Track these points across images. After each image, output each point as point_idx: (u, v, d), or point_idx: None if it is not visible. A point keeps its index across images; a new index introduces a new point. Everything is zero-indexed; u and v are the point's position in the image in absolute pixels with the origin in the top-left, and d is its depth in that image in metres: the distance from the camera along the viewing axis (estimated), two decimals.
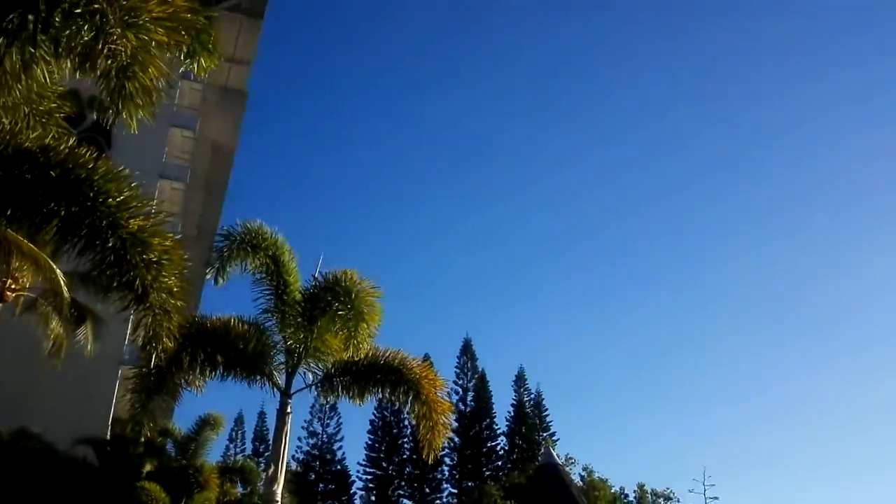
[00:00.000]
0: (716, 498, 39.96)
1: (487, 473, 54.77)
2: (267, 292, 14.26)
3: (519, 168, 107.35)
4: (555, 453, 28.29)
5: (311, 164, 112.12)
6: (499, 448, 58.36)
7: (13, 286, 19.90)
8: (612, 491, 43.53)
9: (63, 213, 7.50)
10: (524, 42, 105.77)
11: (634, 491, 46.38)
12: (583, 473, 44.95)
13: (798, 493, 75.63)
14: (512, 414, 58.81)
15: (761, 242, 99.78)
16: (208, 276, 14.17)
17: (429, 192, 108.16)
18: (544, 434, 56.69)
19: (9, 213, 7.65)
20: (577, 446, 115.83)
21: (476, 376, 59.45)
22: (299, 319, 14.13)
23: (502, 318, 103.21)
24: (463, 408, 57.59)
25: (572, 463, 44.39)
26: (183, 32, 6.83)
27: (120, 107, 6.68)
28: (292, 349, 14.32)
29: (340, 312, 13.78)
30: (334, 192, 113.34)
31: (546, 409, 58.79)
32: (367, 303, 14.02)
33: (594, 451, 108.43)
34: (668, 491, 46.49)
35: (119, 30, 6.26)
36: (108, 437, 21.30)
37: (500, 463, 57.33)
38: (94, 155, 8.01)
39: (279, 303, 14.28)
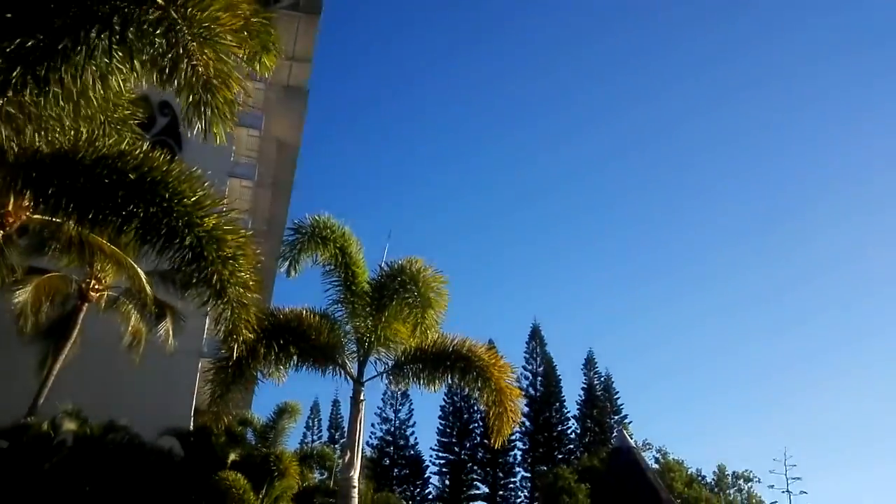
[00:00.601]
0: (798, 478, 38.78)
1: (560, 457, 54.61)
2: (336, 283, 14.55)
3: (586, 153, 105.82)
4: (629, 436, 27.87)
5: (374, 155, 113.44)
6: (570, 432, 58.14)
7: (97, 286, 21.01)
8: (689, 472, 42.73)
9: (142, 214, 7.86)
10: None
11: (714, 472, 45.41)
12: (657, 456, 44.29)
13: (884, 475, 72.61)
14: (583, 398, 58.45)
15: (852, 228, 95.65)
16: (280, 270, 14.54)
17: (494, 178, 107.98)
18: (616, 417, 56.10)
19: (91, 216, 8.05)
20: (650, 429, 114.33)
21: (545, 361, 59.22)
22: (368, 309, 14.37)
23: (570, 302, 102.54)
24: (533, 393, 57.52)
25: (648, 448, 43.79)
26: (251, 39, 7.01)
27: (202, 120, 6.93)
28: (363, 338, 14.58)
29: (407, 300, 13.92)
30: (398, 181, 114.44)
31: (617, 392, 58.20)
32: (433, 290, 14.13)
33: (669, 434, 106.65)
34: (748, 472, 45.32)
35: (195, 44, 6.48)
36: (192, 428, 22.16)
37: (572, 447, 57.09)
38: (168, 158, 8.35)
39: (348, 293, 14.55)
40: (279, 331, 13.60)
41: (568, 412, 58.42)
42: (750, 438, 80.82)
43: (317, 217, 14.49)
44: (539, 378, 58.63)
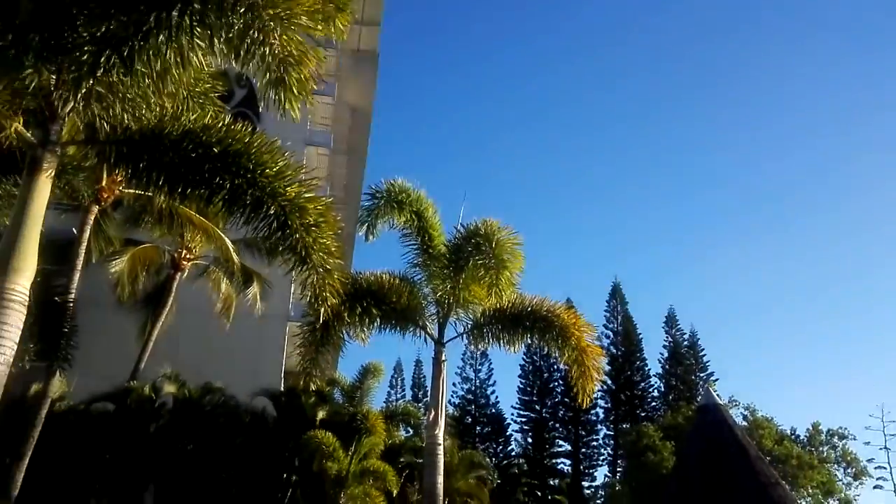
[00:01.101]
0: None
1: (643, 416, 54.15)
2: (413, 246, 14.73)
3: (668, 109, 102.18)
4: (715, 393, 27.25)
5: (447, 116, 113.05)
6: (652, 390, 57.49)
7: (188, 255, 22.01)
8: (779, 430, 41.56)
9: (228, 185, 8.13)
10: None
11: (807, 430, 43.99)
12: (745, 413, 43.25)
13: None
14: (666, 355, 57.54)
15: None
16: (359, 234, 14.83)
17: (570, 138, 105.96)
18: (701, 374, 55.02)
19: (180, 189, 8.38)
20: (738, 387, 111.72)
21: (626, 319, 58.51)
22: (445, 271, 14.50)
23: (651, 259, 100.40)
24: (614, 351, 57.05)
25: (735, 404, 42.74)
26: (325, 4, 7.06)
27: (279, 96, 7.10)
28: (442, 300, 14.77)
29: (482, 261, 13.95)
30: (471, 142, 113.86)
31: (703, 350, 56.92)
32: (508, 250, 14.10)
33: (757, 391, 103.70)
34: (843, 429, 43.68)
35: (272, 23, 6.60)
36: (282, 389, 23.13)
37: (655, 405, 56.51)
38: (250, 129, 8.57)
39: (425, 256, 14.72)
40: (362, 294, 13.94)
41: (650, 370, 57.80)
42: (845, 395, 77.73)
43: (392, 182, 14.64)
44: (620, 337, 58.06)
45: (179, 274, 21.82)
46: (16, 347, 6.80)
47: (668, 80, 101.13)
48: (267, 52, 6.78)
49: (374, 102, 37.21)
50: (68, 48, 7.06)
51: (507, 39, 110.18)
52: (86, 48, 6.99)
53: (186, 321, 23.15)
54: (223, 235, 19.83)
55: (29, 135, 7.17)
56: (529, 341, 15.63)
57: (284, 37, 6.71)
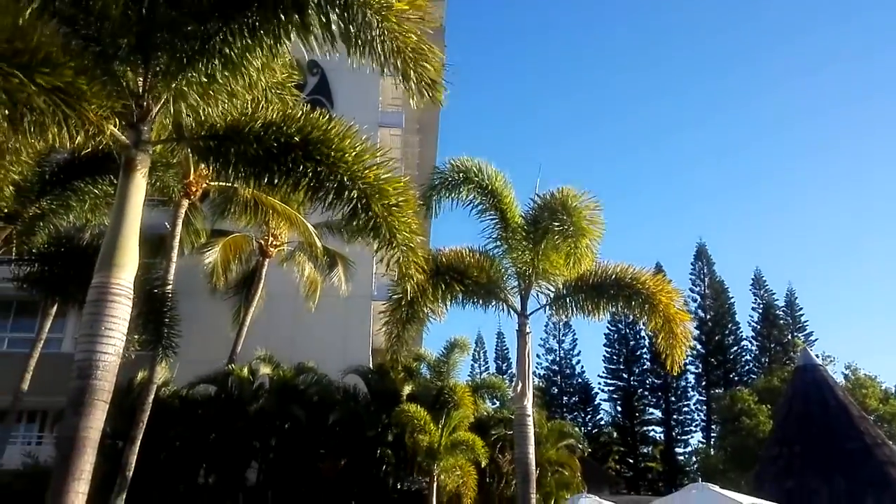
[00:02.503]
0: None
1: (736, 379, 52.61)
2: (490, 220, 14.65)
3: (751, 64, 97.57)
4: (812, 353, 26.16)
5: (516, 87, 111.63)
6: (745, 353, 55.67)
7: (274, 242, 22.79)
8: (884, 388, 39.57)
9: (310, 173, 8.32)
10: None
11: None
12: (846, 373, 41.38)
13: None
14: (758, 317, 55.46)
15: None
16: (430, 211, 14.83)
17: (647, 93, 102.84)
18: (797, 334, 52.79)
19: (266, 179, 8.64)
20: (837, 345, 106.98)
21: (713, 281, 56.69)
22: (524, 243, 14.37)
23: (736, 219, 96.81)
24: (703, 315, 55.45)
25: (832, 362, 40.97)
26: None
27: (416, 92, 7.30)
28: (522, 272, 14.67)
29: (561, 231, 13.72)
30: (543, 110, 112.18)
31: (800, 308, 54.54)
32: (586, 218, 13.81)
33: (858, 350, 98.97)
34: None
35: (381, 21, 6.73)
36: (371, 366, 23.70)
37: (748, 368, 54.79)
38: (327, 117, 8.72)
39: (503, 229, 14.62)
40: (444, 271, 14.05)
41: (742, 333, 55.90)
42: None
43: (460, 159, 14.57)
44: (708, 300, 56.34)
45: (267, 260, 22.64)
46: (124, 338, 7.22)
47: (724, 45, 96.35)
48: (390, 48, 6.98)
49: (443, 77, 37.04)
50: (156, 50, 7.35)
51: (571, 5, 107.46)
52: (173, 49, 7.27)
53: (276, 305, 24.02)
54: (305, 221, 20.38)
55: (123, 136, 7.53)
56: (614, 310, 15.40)
57: (406, 36, 6.85)
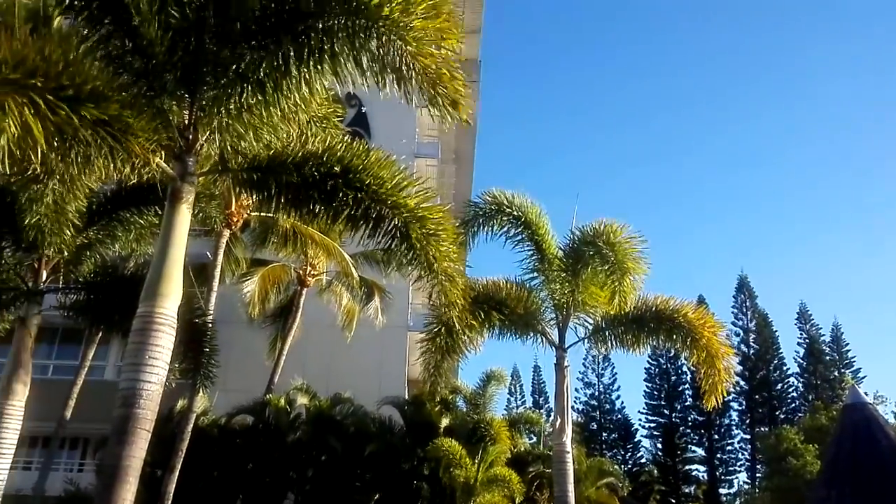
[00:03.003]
0: None
1: (781, 417, 50.92)
2: (527, 251, 14.56)
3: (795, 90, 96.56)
4: (861, 391, 25.21)
5: (552, 122, 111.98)
6: (791, 390, 53.93)
7: (312, 272, 22.99)
8: None
9: (351, 202, 8.38)
10: None
11: None
12: None
13: None
14: (803, 352, 53.81)
15: None
16: (467, 242, 14.78)
17: (689, 129, 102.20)
18: (845, 371, 51.02)
19: (307, 210, 8.73)
20: (887, 384, 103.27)
21: (756, 315, 55.26)
22: (563, 275, 14.24)
23: (780, 250, 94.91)
24: (745, 350, 53.99)
25: (883, 401, 39.44)
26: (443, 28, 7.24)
27: (438, 111, 7.36)
28: (560, 305, 14.51)
29: (603, 265, 13.58)
30: (579, 144, 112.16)
31: (847, 344, 52.78)
32: (630, 253, 13.63)
33: None
34: None
35: (403, 42, 6.82)
36: (407, 397, 23.56)
37: (794, 406, 53.02)
38: (366, 147, 8.81)
39: (540, 261, 14.52)
40: (482, 301, 13.94)
41: (788, 369, 54.24)
42: None
43: (495, 191, 14.57)
44: (751, 334, 54.89)
45: (305, 290, 22.82)
46: (167, 368, 7.28)
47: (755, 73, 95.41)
48: (413, 73, 7.05)
49: (479, 109, 37.37)
50: (200, 85, 7.54)
51: (607, 42, 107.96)
52: (218, 82, 7.45)
53: (313, 334, 24.14)
54: (343, 251, 20.53)
55: (169, 168, 7.69)
56: (654, 343, 15.12)
57: (427, 58, 6.92)
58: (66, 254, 11.39)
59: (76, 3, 7.20)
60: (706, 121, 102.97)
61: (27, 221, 10.23)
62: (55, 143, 6.41)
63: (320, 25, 7.17)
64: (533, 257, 14.47)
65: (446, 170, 37.40)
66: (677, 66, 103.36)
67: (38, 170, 7.45)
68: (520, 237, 14.52)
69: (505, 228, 14.46)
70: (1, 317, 11.85)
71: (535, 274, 14.63)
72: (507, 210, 14.31)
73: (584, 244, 13.95)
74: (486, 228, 14.43)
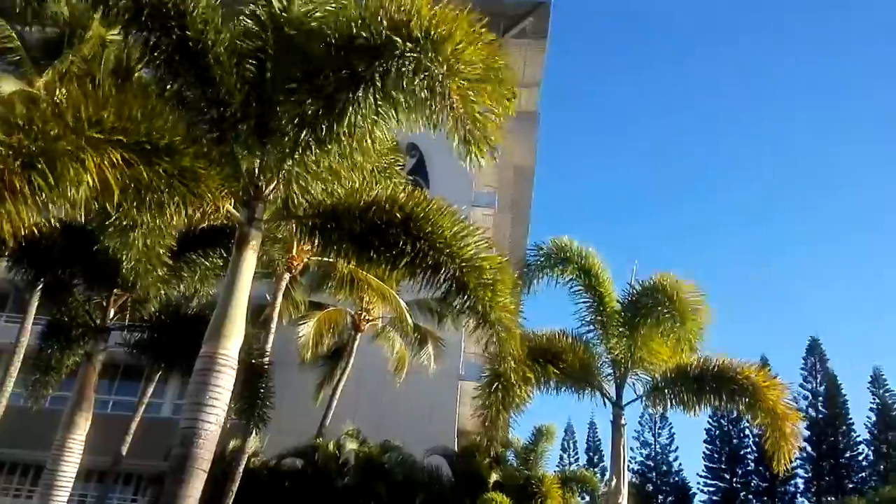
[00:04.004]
0: None
1: (850, 487, 48.05)
2: (584, 304, 14.32)
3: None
4: None
5: (609, 172, 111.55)
6: (861, 458, 50.97)
7: (367, 317, 23.17)
8: None
9: (410, 249, 8.46)
10: None
11: None
12: None
13: None
14: (874, 419, 50.93)
15: None
16: (527, 292, 14.64)
17: (754, 173, 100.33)
18: None
19: (367, 256, 8.84)
20: None
21: (827, 378, 52.77)
22: (621, 329, 13.93)
23: (853, 312, 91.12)
24: (814, 414, 51.44)
25: None
26: (495, 82, 7.35)
27: (470, 152, 7.38)
28: (618, 360, 14.15)
29: (664, 319, 13.26)
30: (637, 198, 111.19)
31: None
32: (692, 307, 13.28)
33: None
34: None
35: (449, 82, 6.94)
36: (456, 448, 23.21)
37: (863, 475, 50.03)
38: (427, 195, 8.92)
39: (598, 314, 14.24)
40: (538, 353, 13.72)
41: (857, 435, 51.38)
42: None
43: (558, 239, 14.44)
44: (820, 398, 52.34)
45: (359, 335, 22.97)
46: (226, 408, 7.38)
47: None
48: (451, 112, 7.09)
49: (536, 161, 37.59)
50: (271, 134, 7.83)
51: (662, 99, 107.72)
52: (286, 133, 7.72)
53: (365, 379, 24.19)
54: (398, 297, 20.65)
55: (237, 214, 7.93)
56: (716, 404, 14.56)
57: (461, 92, 6.99)
58: (134, 293, 11.78)
59: (159, 55, 7.60)
60: (776, 184, 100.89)
61: (102, 259, 10.65)
62: (130, 194, 6.68)
63: (375, 69, 7.33)
64: (592, 309, 14.21)
65: (502, 219, 37.51)
66: (745, 126, 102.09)
67: (113, 215, 7.76)
68: (582, 288, 14.31)
69: (569, 277, 14.27)
70: (70, 352, 12.27)
71: (593, 327, 14.36)
72: (575, 259, 14.15)
73: (644, 296, 13.65)
74: (549, 277, 14.28)
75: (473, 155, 7.33)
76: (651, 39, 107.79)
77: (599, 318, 14.22)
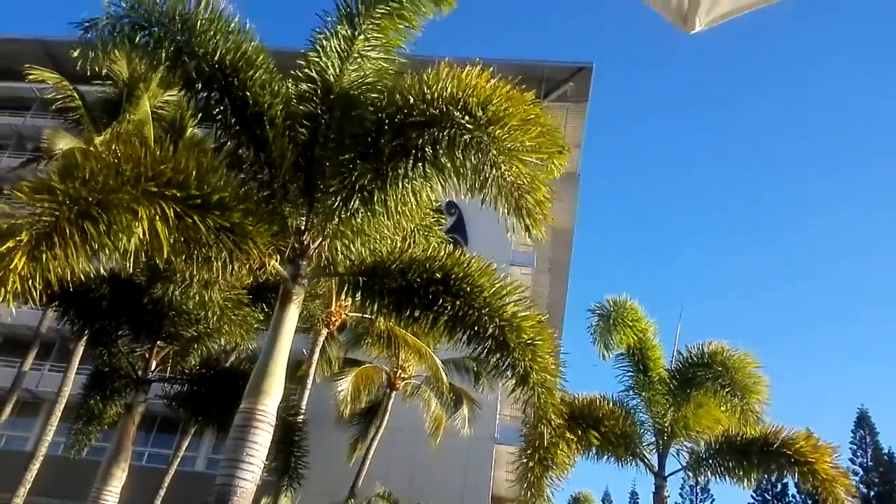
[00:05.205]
0: None
1: None
2: (630, 369, 14.01)
3: None
4: None
5: (648, 236, 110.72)
6: None
7: (402, 375, 22.99)
8: None
9: (450, 308, 8.42)
10: None
11: None
12: None
13: None
14: None
15: None
16: (599, 352, 14.32)
17: (792, 256, 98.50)
18: None
19: (407, 314, 8.82)
20: None
21: (877, 453, 50.30)
22: (667, 397, 13.57)
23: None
24: (865, 490, 48.87)
25: None
26: (546, 149, 7.42)
27: (519, 222, 7.44)
28: (662, 429, 13.73)
29: (717, 389, 12.86)
30: (674, 262, 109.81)
31: None
32: (749, 376, 12.86)
33: None
34: None
35: (503, 157, 7.06)
36: None
37: None
38: (467, 254, 8.94)
39: (644, 380, 13.91)
40: (577, 417, 13.38)
41: None
42: None
43: (616, 299, 14.21)
44: (872, 473, 49.79)
45: (394, 393, 22.77)
46: (262, 466, 7.32)
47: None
48: (501, 182, 7.16)
49: (576, 221, 37.55)
50: (319, 194, 7.99)
51: (702, 158, 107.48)
52: (333, 194, 7.88)
53: (398, 439, 23.83)
54: (434, 356, 20.51)
55: (282, 270, 8.04)
56: (763, 475, 13.96)
57: (514, 168, 7.07)
58: (176, 345, 11.93)
59: (215, 116, 7.87)
60: (821, 248, 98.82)
61: (147, 311, 10.86)
62: (178, 247, 6.84)
63: (425, 138, 7.49)
64: (638, 375, 13.88)
65: (541, 278, 37.33)
66: (787, 181, 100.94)
67: (162, 268, 7.92)
68: (630, 352, 14.02)
69: (623, 339, 13.97)
70: (112, 402, 12.39)
71: (637, 393, 14.00)
72: (630, 320, 13.88)
73: (695, 366, 13.27)
74: (607, 340, 14.00)
75: (527, 227, 7.36)
76: (689, 96, 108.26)
77: (646, 384, 13.87)
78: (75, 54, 7.58)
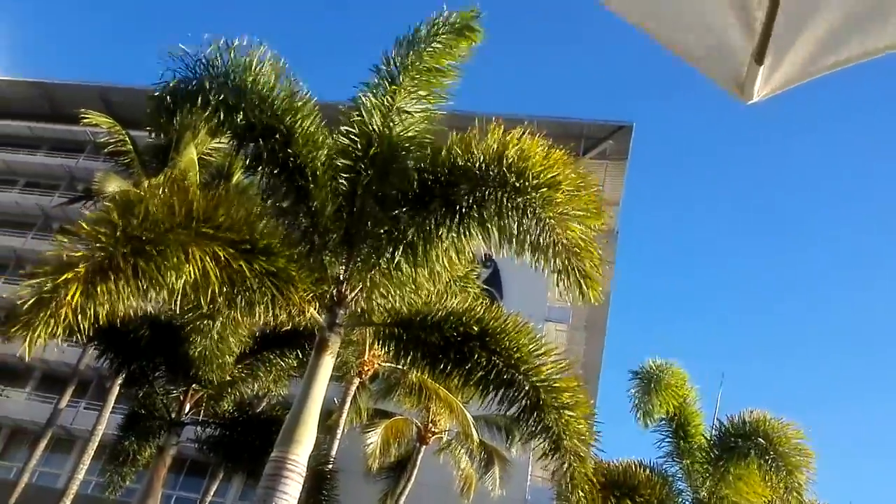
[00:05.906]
0: None
1: None
2: (669, 436, 13.60)
3: None
4: None
5: (687, 294, 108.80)
6: None
7: (433, 429, 22.62)
8: None
9: (485, 363, 8.30)
10: None
11: None
12: None
13: None
14: None
15: None
16: (639, 419, 13.94)
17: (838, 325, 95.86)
18: None
19: (441, 367, 8.72)
20: None
21: None
22: (706, 466, 13.09)
23: None
24: None
25: None
26: (594, 208, 7.45)
27: (572, 284, 7.44)
28: (700, 499, 13.21)
29: (763, 464, 12.37)
30: (714, 320, 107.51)
31: None
32: (793, 448, 12.34)
33: None
34: None
35: (553, 220, 7.12)
36: None
37: None
38: (504, 311, 8.86)
39: (683, 447, 13.47)
40: (611, 485, 12.96)
41: None
42: None
43: (659, 362, 13.91)
44: None
45: (424, 447, 22.38)
46: None
47: None
48: (555, 246, 7.22)
49: (614, 277, 37.14)
50: (359, 244, 8.08)
51: (741, 214, 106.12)
52: (373, 242, 7.96)
53: (425, 495, 23.29)
54: (465, 411, 20.18)
55: (320, 318, 8.08)
56: None
57: (565, 230, 7.11)
58: (210, 389, 12.00)
59: (261, 166, 8.09)
60: (859, 304, 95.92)
61: (190, 354, 10.98)
62: (224, 289, 6.96)
63: (472, 196, 7.57)
64: (677, 442, 13.44)
65: (576, 336, 36.80)
66: (820, 243, 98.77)
67: (205, 310, 8.04)
68: (669, 417, 13.62)
69: (663, 404, 13.58)
70: (147, 444, 12.45)
71: (675, 460, 13.54)
72: (673, 385, 13.50)
73: (737, 436, 12.81)
74: (649, 406, 13.63)
75: (581, 290, 7.35)
76: (728, 155, 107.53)
77: (684, 452, 13.42)
78: (148, 111, 7.91)
